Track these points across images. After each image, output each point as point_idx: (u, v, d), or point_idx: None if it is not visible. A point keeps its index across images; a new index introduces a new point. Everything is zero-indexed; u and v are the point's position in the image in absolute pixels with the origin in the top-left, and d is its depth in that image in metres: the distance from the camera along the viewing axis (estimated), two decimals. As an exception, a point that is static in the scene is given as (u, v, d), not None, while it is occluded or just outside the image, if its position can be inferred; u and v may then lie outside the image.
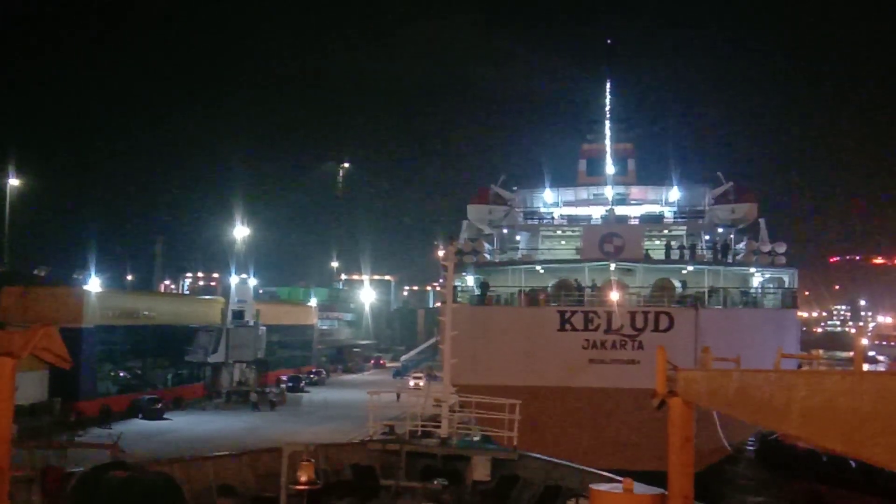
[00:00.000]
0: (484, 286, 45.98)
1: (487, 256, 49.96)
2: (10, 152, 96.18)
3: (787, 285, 46.45)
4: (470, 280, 46.75)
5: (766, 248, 46.90)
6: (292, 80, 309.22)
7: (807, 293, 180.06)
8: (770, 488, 43.89)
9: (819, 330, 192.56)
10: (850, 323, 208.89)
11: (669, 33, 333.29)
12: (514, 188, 55.71)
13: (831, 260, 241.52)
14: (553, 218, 54.65)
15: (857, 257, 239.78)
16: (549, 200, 56.28)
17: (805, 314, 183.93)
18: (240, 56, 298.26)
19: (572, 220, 53.50)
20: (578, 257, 48.11)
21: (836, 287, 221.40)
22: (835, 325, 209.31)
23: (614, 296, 43.02)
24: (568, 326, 42.40)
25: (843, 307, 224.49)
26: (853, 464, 37.79)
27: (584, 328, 42.19)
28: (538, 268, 47.89)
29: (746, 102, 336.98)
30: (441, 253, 52.41)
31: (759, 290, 47.59)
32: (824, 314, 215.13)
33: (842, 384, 4.79)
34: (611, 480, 17.76)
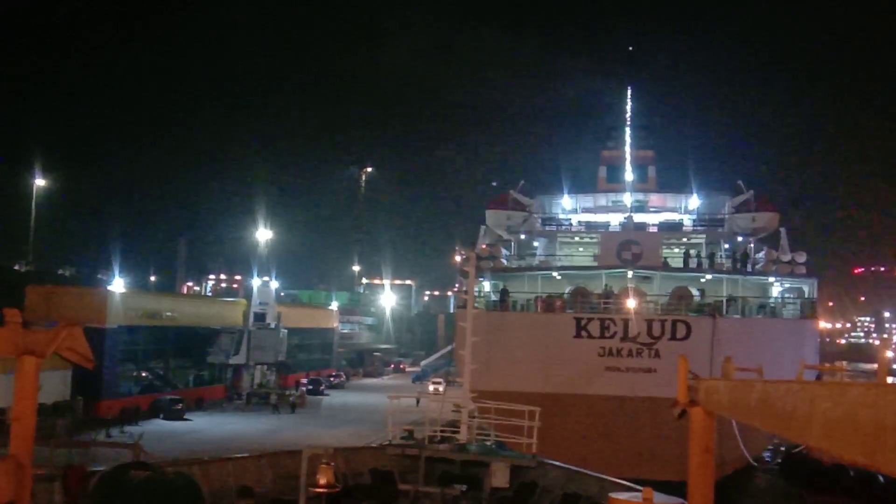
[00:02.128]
0: (503, 292, 45.92)
1: (504, 262, 49.89)
2: (36, 153, 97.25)
3: (806, 295, 46.09)
4: (486, 285, 46.69)
5: (786, 257, 46.56)
6: (316, 84, 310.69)
7: (830, 304, 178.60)
8: (793, 501, 43.47)
9: (842, 341, 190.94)
10: (874, 335, 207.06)
11: (691, 41, 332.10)
12: (532, 194, 55.66)
13: (855, 271, 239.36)
14: (571, 224, 54.53)
15: (882, 268, 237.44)
16: (568, 207, 56.23)
17: (828, 325, 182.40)
18: (265, 60, 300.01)
19: (590, 227, 53.40)
20: (596, 264, 47.95)
21: (861, 298, 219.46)
22: (858, 337, 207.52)
23: (631, 303, 42.87)
24: (584, 333, 42.28)
25: (867, 319, 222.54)
26: (882, 479, 37.26)
27: (601, 335, 42.05)
28: (555, 274, 47.78)
29: (769, 111, 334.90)
30: (458, 258, 52.43)
31: (779, 300, 47.29)
32: (848, 325, 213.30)
33: (865, 396, 4.76)
34: (630, 490, 17.68)
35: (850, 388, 5.01)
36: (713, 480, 10.63)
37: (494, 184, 56.32)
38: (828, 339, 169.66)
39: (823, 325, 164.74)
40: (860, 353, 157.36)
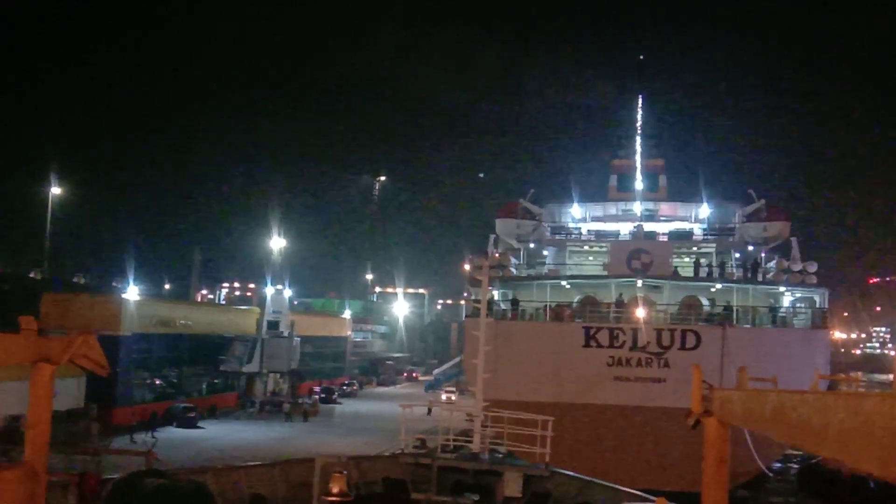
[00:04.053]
0: (514, 302, 45.86)
1: (514, 271, 49.85)
2: (52, 161, 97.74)
3: (818, 305, 45.87)
4: (495, 294, 46.59)
5: (797, 266, 46.41)
6: (330, 93, 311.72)
7: (845, 314, 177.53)
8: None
9: (858, 352, 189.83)
10: (890, 345, 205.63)
11: (702, 49, 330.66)
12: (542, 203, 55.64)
13: (871, 281, 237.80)
14: (581, 233, 54.45)
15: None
16: (578, 215, 56.19)
17: (843, 336, 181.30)
18: (278, 68, 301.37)
19: (600, 236, 53.32)
20: (605, 273, 47.84)
21: (877, 309, 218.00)
22: (874, 348, 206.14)
23: (640, 312, 42.78)
24: (593, 343, 42.21)
25: (883, 329, 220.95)
26: None
27: (610, 345, 41.98)
28: (564, 283, 47.69)
29: (782, 118, 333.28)
30: (467, 267, 52.46)
31: (790, 310, 47.11)
32: (863, 336, 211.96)
33: (881, 406, 4.74)
34: (644, 500, 17.64)
35: (866, 398, 4.98)
36: (727, 491, 10.59)
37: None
38: (843, 350, 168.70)
39: (838, 335, 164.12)
40: (875, 363, 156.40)
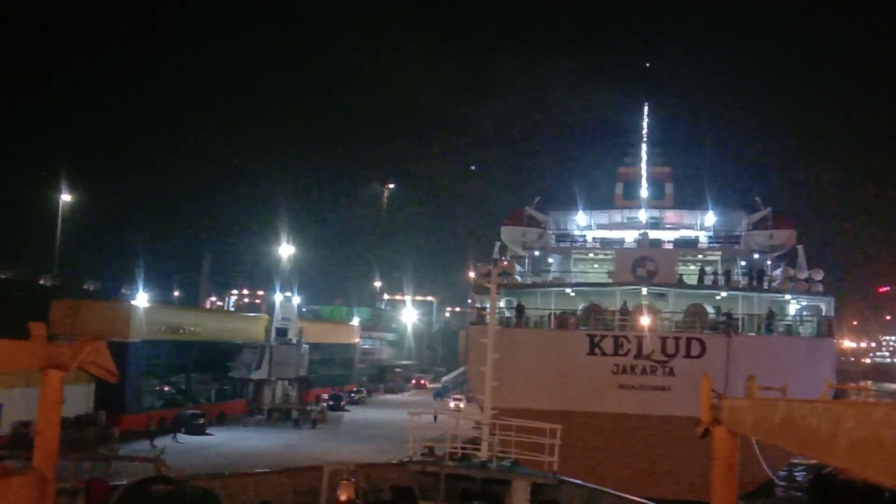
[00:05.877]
0: (519, 309, 45.79)
1: (518, 278, 49.80)
2: (62, 168, 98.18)
3: (823, 313, 45.70)
4: (500, 302, 46.48)
5: (803, 274, 46.29)
6: (340, 101, 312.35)
7: (855, 323, 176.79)
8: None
9: (867, 361, 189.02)
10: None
11: (708, 57, 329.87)
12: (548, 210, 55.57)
13: (880, 290, 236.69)
14: (586, 241, 54.42)
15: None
16: (583, 223, 56.20)
17: (853, 345, 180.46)
18: (288, 74, 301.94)
19: (605, 243, 53.25)
20: (610, 281, 47.80)
21: (887, 317, 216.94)
22: (884, 357, 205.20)
23: (645, 320, 42.69)
24: (597, 351, 42.16)
25: (893, 338, 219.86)
26: None
27: (614, 353, 41.94)
28: (569, 291, 47.65)
29: (790, 126, 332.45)
30: (472, 274, 52.48)
31: (796, 318, 46.96)
32: (873, 345, 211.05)
33: (890, 416, 4.72)
34: (652, 509, 17.57)
35: (875, 407, 4.97)
36: (736, 500, 10.56)
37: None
38: (852, 359, 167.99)
39: (848, 344, 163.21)
40: (885, 372, 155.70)
